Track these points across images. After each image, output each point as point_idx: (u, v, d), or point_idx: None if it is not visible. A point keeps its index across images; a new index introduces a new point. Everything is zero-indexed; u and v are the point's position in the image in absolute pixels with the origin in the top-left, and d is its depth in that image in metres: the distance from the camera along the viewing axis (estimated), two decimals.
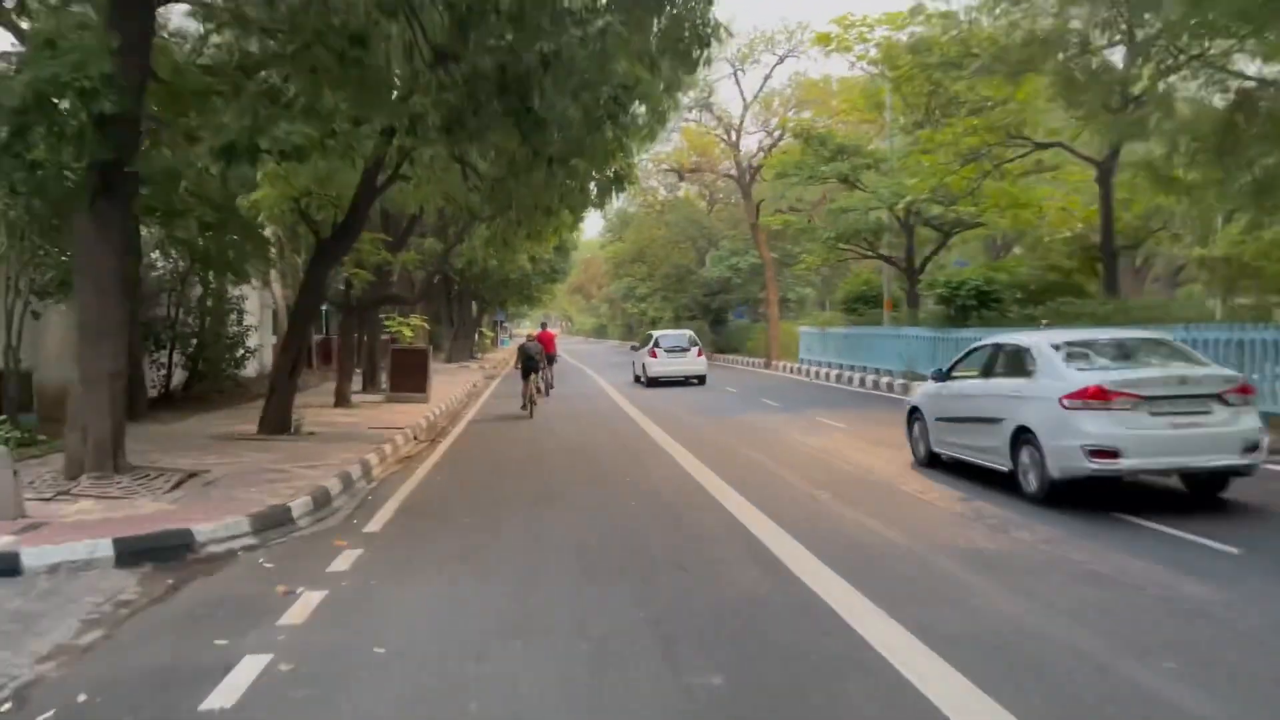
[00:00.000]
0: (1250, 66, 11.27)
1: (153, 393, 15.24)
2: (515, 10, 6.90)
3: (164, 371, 15.57)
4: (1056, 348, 7.69)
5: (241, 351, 17.31)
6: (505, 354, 48.20)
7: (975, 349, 9.15)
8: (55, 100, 7.13)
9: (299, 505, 7.51)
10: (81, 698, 3.88)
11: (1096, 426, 6.83)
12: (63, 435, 8.65)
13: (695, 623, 4.69)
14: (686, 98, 24.85)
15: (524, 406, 16.00)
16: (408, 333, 20.73)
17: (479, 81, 7.56)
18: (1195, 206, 13.65)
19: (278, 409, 11.86)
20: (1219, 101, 11.44)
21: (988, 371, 8.58)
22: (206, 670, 4.12)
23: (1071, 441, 6.92)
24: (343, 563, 6.06)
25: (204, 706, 3.73)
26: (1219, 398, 6.94)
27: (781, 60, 30.53)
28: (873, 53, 19.54)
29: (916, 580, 5.41)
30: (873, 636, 4.36)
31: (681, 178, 36.27)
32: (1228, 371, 7.58)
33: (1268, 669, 3.97)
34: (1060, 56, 12.28)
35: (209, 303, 16.83)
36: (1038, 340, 8.05)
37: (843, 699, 3.72)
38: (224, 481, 8.30)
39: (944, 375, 9.29)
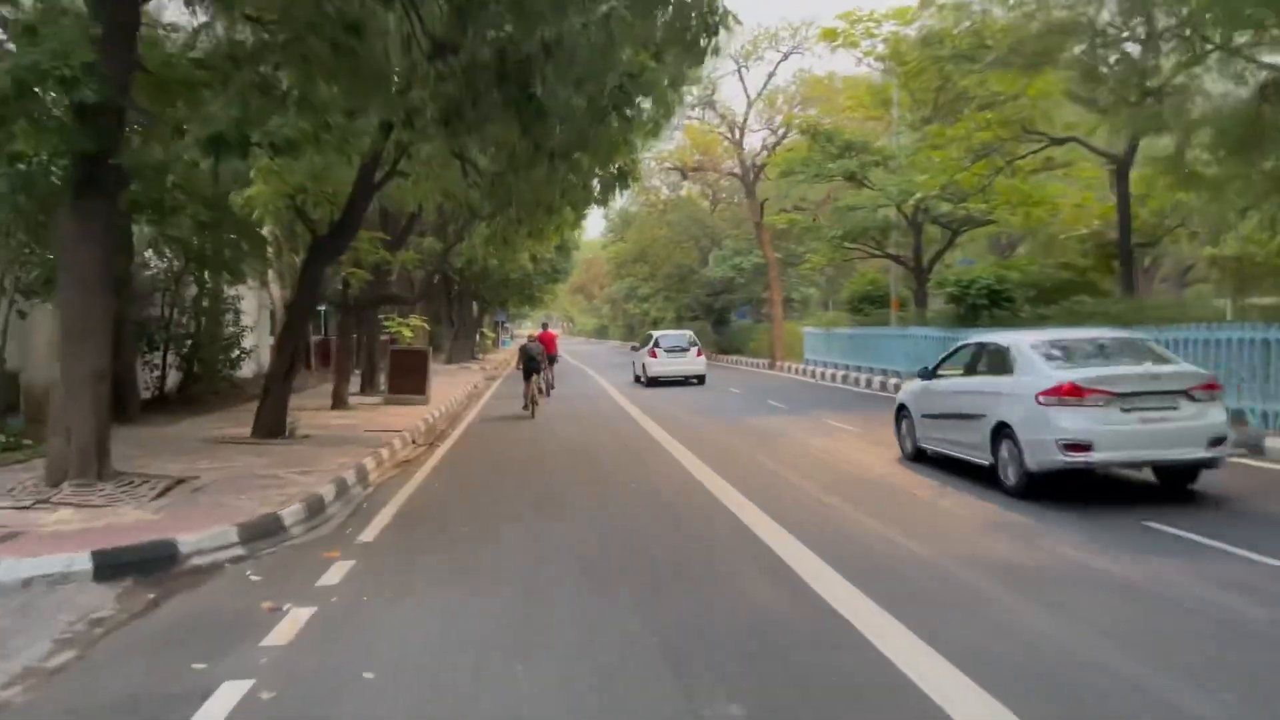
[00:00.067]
0: (1278, 57, 10.94)
1: (146, 394, 14.92)
2: None
3: (157, 373, 15.23)
4: (1034, 347, 8.00)
5: (237, 352, 16.98)
6: (506, 355, 47.91)
7: (959, 348, 9.41)
8: (36, 90, 6.83)
9: (290, 513, 7.19)
10: None
11: (1070, 421, 7.15)
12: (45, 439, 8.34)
13: (708, 642, 4.37)
14: (691, 95, 24.53)
15: (525, 406, 15.95)
16: (407, 333, 20.41)
17: (477, 70, 7.24)
18: (1216, 202, 13.30)
19: (272, 412, 11.54)
20: (1243, 93, 11.09)
21: (970, 370, 8.89)
22: (181, 698, 3.80)
23: (1047, 436, 7.23)
24: (334, 575, 5.75)
25: None
26: (1186, 394, 7.27)
27: (786, 57, 30.19)
28: (880, 48, 19.21)
29: (941, 594, 5.08)
30: (899, 657, 4.04)
31: (685, 176, 35.89)
32: (1195, 369, 7.92)
33: None
34: (1078, 49, 11.93)
35: (204, 303, 16.51)
36: (1017, 339, 8.36)
37: None
38: (213, 488, 7.97)
39: (930, 373, 9.58)
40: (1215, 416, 7.33)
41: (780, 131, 30.65)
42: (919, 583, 5.32)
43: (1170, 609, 4.77)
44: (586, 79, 7.19)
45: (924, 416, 9.48)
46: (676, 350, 23.29)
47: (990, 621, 4.62)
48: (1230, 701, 3.58)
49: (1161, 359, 7.87)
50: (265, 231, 18.23)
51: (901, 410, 10.01)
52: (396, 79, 8.71)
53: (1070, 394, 7.22)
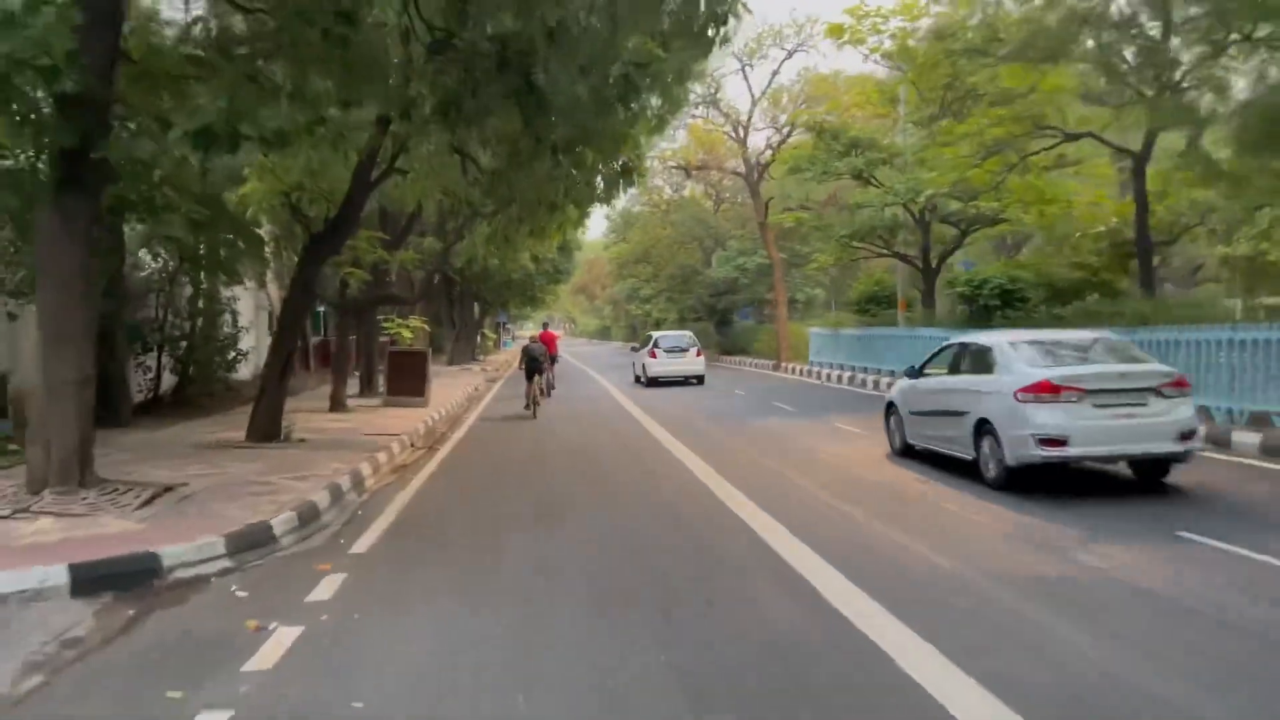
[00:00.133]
0: None
1: (139, 397, 14.61)
2: None
3: (151, 375, 14.91)
4: (1014, 346, 8.34)
5: (233, 354, 16.66)
6: (508, 356, 47.61)
7: (944, 348, 9.74)
8: (14, 80, 6.51)
9: (282, 522, 6.87)
10: None
11: (1046, 417, 7.48)
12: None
13: (727, 670, 4.05)
14: (695, 92, 24.22)
15: (527, 406, 15.90)
16: (407, 334, 20.10)
17: (477, 59, 6.91)
18: (1236, 198, 12.95)
19: (267, 415, 11.22)
20: (1266, 86, 10.74)
21: (955, 368, 9.22)
22: None
23: (1024, 431, 7.55)
24: (324, 590, 5.42)
25: None
26: (1156, 391, 7.59)
27: (790, 55, 29.80)
28: (887, 45, 18.86)
29: (977, 616, 4.74)
30: (938, 690, 3.71)
31: (689, 175, 35.50)
32: (1164, 367, 8.19)
33: None
34: (1096, 40, 11.55)
35: (200, 304, 16.19)
36: (998, 340, 8.73)
37: None
38: (202, 495, 7.65)
39: (917, 372, 9.94)
40: (1184, 412, 7.65)
41: (785, 130, 30.30)
42: (950, 602, 4.98)
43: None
44: (590, 67, 6.86)
45: (911, 413, 9.78)
46: (676, 351, 23.52)
47: (1027, 644, 4.28)
48: None
49: (1134, 358, 8.17)
50: (263, 231, 17.99)
51: (890, 408, 10.35)
52: (393, 70, 8.41)
53: (1046, 391, 7.55)
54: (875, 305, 24.23)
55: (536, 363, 16.36)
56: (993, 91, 16.92)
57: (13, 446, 9.78)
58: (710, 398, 19.67)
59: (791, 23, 47.02)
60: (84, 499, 7.03)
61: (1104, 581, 5.29)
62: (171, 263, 15.08)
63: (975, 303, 16.54)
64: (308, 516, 7.27)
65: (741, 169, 32.11)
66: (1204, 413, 10.94)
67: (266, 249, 17.24)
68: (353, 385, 18.78)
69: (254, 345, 18.72)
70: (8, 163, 7.64)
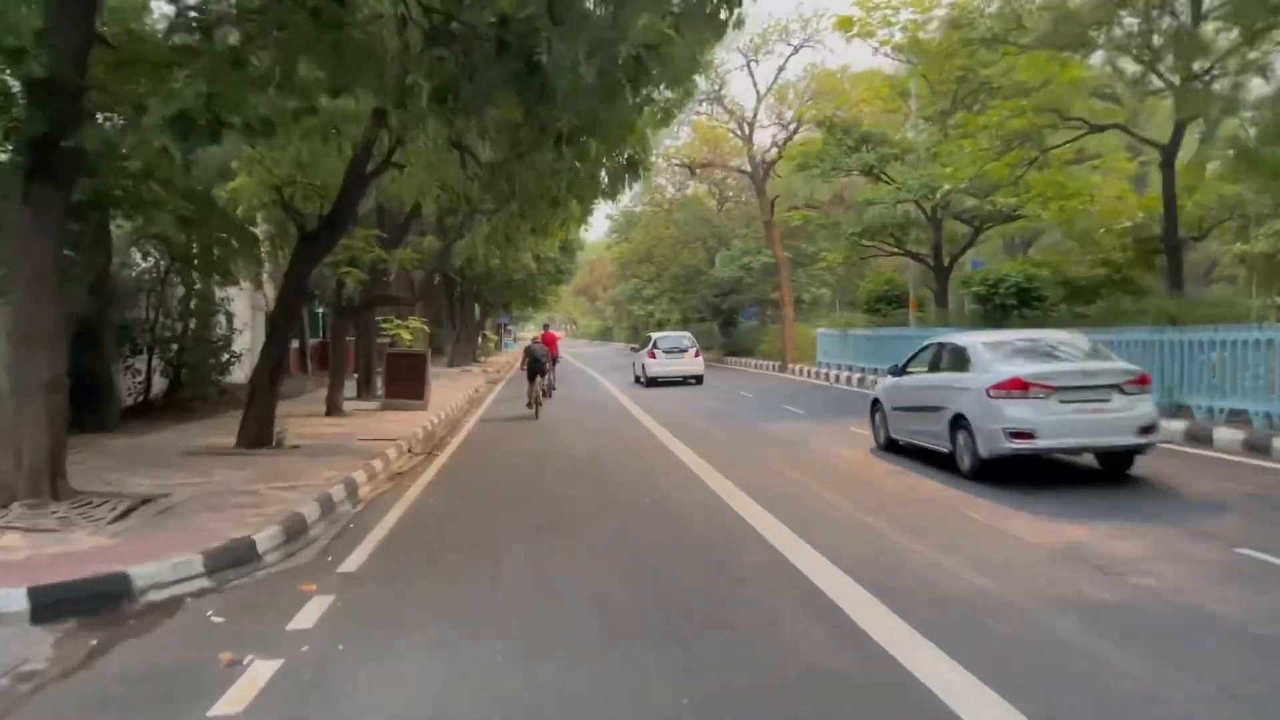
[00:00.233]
0: None
1: (129, 401, 14.16)
2: None
3: (140, 378, 14.45)
4: (988, 346, 8.85)
5: (227, 356, 16.19)
6: (509, 357, 47.17)
7: (924, 348, 10.24)
8: None
9: (267, 537, 6.40)
10: None
11: (1015, 412, 7.95)
12: None
13: (754, 712, 3.57)
14: (701, 86, 23.67)
15: (529, 405, 15.93)
16: (406, 335, 19.63)
17: (475, 41, 6.43)
18: (1272, 191, 12.43)
19: (258, 420, 10.75)
20: None
21: (934, 367, 9.66)
22: None
23: (996, 425, 8.03)
24: (308, 616, 4.95)
25: None
26: (1118, 388, 8.02)
27: (797, 50, 29.24)
28: (898, 37, 18.36)
29: (1026, 645, 4.27)
30: None
31: (693, 173, 34.97)
32: (1127, 366, 8.61)
33: None
34: (1124, 26, 11.06)
35: (192, 304, 15.74)
36: (973, 340, 9.23)
37: None
38: (184, 507, 7.18)
39: (900, 370, 10.48)
40: (1144, 408, 8.10)
41: (791, 126, 29.79)
42: (993, 628, 4.50)
43: None
44: (597, 49, 6.38)
45: (894, 409, 10.29)
46: (675, 351, 23.84)
47: (1079, 674, 3.81)
48: None
49: (1100, 357, 8.63)
50: (260, 229, 17.55)
51: (876, 404, 10.87)
52: (388, 58, 7.93)
53: (1016, 388, 8.01)
54: (886, 305, 23.70)
55: (538, 363, 16.42)
56: (1007, 85, 16.44)
57: None
58: (716, 400, 19.20)
59: (798, 17, 46.51)
60: (54, 512, 6.57)
61: (1163, 605, 4.81)
62: (163, 262, 14.65)
63: (991, 302, 16.02)
64: (295, 530, 6.80)
65: (746, 167, 31.61)
66: (1241, 418, 10.50)
67: (262, 248, 16.88)
68: (351, 388, 18.33)
69: (249, 347, 18.24)
70: None
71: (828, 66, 32.66)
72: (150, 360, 14.67)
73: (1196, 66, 11.18)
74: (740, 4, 7.34)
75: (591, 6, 6.12)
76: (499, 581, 5.61)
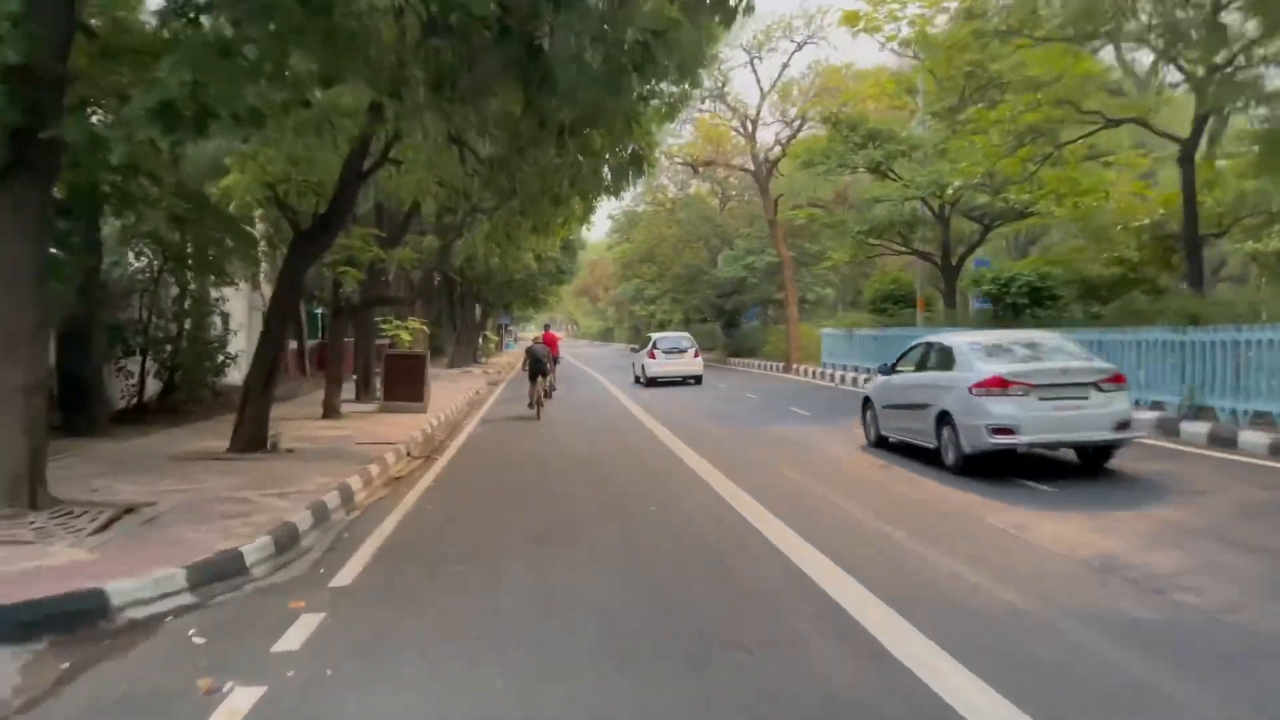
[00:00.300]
0: None
1: (122, 404, 13.85)
2: None
3: (132, 380, 14.13)
4: (972, 346, 9.21)
5: (222, 358, 15.87)
6: (510, 358, 46.87)
7: (912, 347, 10.61)
8: None
9: (255, 549, 6.09)
10: None
11: (997, 409, 8.29)
12: None
13: None
14: (705, 83, 23.32)
15: (531, 406, 15.96)
16: (405, 336, 19.33)
17: (473, 26, 6.11)
18: None
19: (251, 423, 10.43)
20: None
21: (921, 366, 10.02)
22: None
23: (978, 421, 8.37)
24: (296, 636, 4.63)
25: None
26: (1095, 386, 8.39)
27: (800, 47, 28.87)
28: (905, 32, 18.01)
29: (1068, 671, 3.94)
30: None
31: (696, 171, 34.58)
32: (1104, 364, 8.98)
33: None
34: (1147, 15, 10.68)
35: (186, 305, 15.43)
36: (958, 340, 9.63)
37: None
38: (169, 517, 6.86)
39: (889, 370, 10.87)
40: (1120, 405, 8.44)
41: (795, 124, 29.44)
42: (1030, 650, 4.18)
43: None
44: (602, 33, 6.05)
45: (884, 407, 10.66)
46: (674, 352, 24.05)
47: (1142, 714, 3.49)
48: None
49: (1077, 356, 8.96)
50: (257, 229, 17.23)
51: (867, 402, 11.22)
52: (383, 47, 7.61)
53: (997, 386, 8.35)
54: (892, 304, 23.32)
55: (540, 364, 16.36)
56: (1018, 80, 16.09)
57: None
58: (721, 401, 18.89)
59: (802, 14, 46.13)
60: (32, 523, 6.25)
61: (1213, 625, 4.49)
62: (156, 261, 14.35)
63: (1002, 301, 15.65)
64: (286, 541, 6.49)
65: (749, 165, 31.26)
66: (1265, 420, 10.17)
67: (259, 247, 16.57)
68: (350, 390, 18.02)
69: (245, 349, 17.91)
70: None
71: (832, 63, 32.26)
72: (143, 362, 14.36)
73: (1219, 57, 10.84)
74: None
75: None
76: (499, 596, 5.29)
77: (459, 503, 8.43)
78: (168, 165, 8.19)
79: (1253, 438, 9.63)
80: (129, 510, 6.84)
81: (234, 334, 16.52)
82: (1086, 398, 8.33)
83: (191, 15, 6.45)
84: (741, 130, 30.86)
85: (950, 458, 8.77)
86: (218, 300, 16.50)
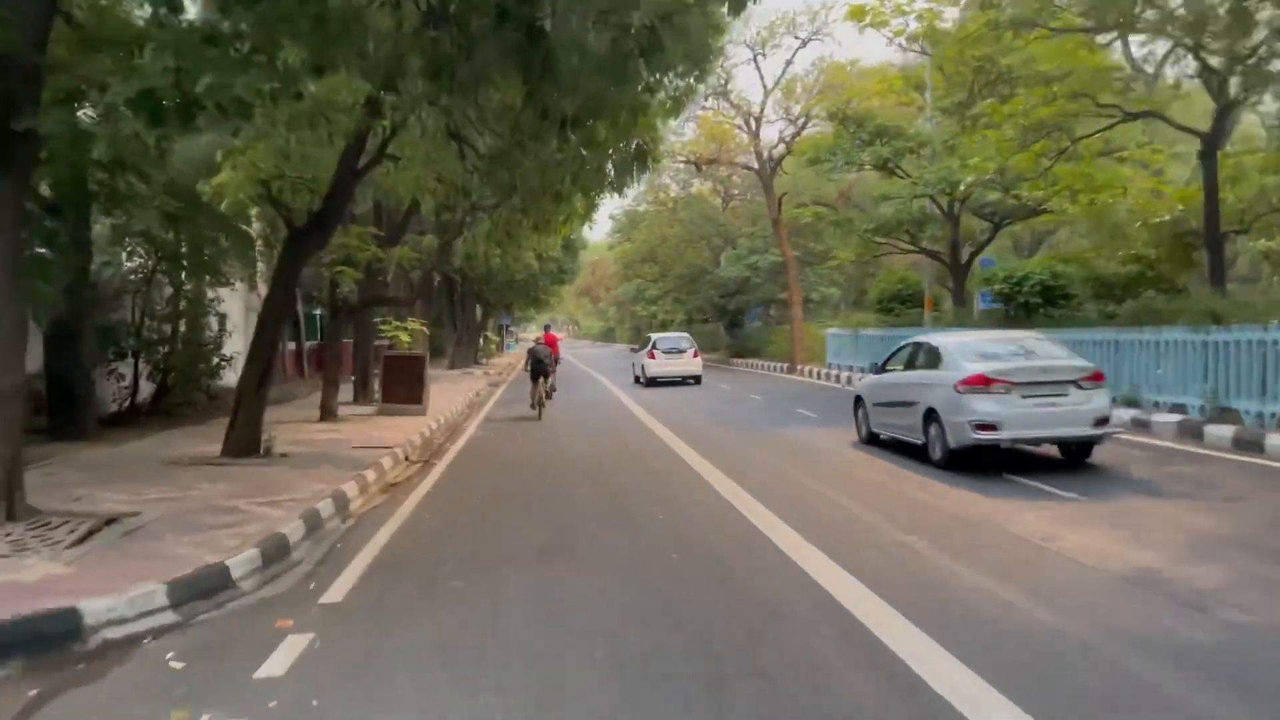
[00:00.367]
0: None
1: (114, 407, 13.54)
2: None
3: (124, 383, 13.81)
4: (958, 346, 9.53)
5: (217, 360, 15.54)
6: (511, 359, 46.57)
7: (901, 347, 10.96)
8: None
9: (242, 562, 5.77)
10: None
11: (981, 406, 8.60)
12: None
13: None
14: (707, 80, 22.96)
15: (533, 406, 15.99)
16: (405, 337, 19.01)
17: (471, 11, 5.79)
18: None
19: (244, 428, 10.12)
20: None
21: (910, 365, 10.34)
22: None
23: (963, 418, 8.68)
24: (280, 660, 4.32)
25: None
26: (1075, 383, 8.71)
27: (805, 44, 28.52)
28: (913, 26, 17.70)
29: (1122, 702, 3.62)
30: None
31: (699, 169, 34.21)
32: (1083, 363, 9.29)
33: None
34: (1162, 9, 10.35)
35: (181, 305, 15.11)
36: (945, 340, 9.99)
37: None
38: (153, 528, 6.54)
39: (880, 369, 11.20)
40: (1099, 401, 8.77)
41: (800, 121, 29.09)
42: (1075, 677, 3.85)
43: None
44: (607, 16, 5.72)
45: (875, 405, 10.99)
46: (674, 352, 24.25)
47: None
48: None
49: (1059, 355, 9.25)
50: (253, 227, 16.92)
51: (858, 400, 11.58)
52: (377, 36, 7.28)
53: (980, 383, 8.65)
54: (899, 304, 22.95)
55: (542, 364, 16.26)
56: (1028, 75, 15.77)
57: None
58: (725, 403, 18.56)
59: (806, 9, 45.62)
60: (8, 535, 5.94)
61: (1271, 649, 4.16)
62: (149, 261, 14.03)
63: (1014, 300, 15.30)
64: (275, 554, 6.17)
65: (753, 164, 30.91)
66: None
67: (256, 247, 16.25)
68: (347, 392, 17.71)
69: (241, 350, 17.60)
70: None
71: (837, 60, 31.88)
72: (136, 364, 14.04)
73: (1243, 46, 10.49)
74: None
75: None
76: (499, 616, 4.96)
77: (458, 510, 8.11)
78: (155, 161, 7.86)
79: None
80: (111, 521, 6.52)
81: (229, 335, 16.19)
82: (1066, 395, 8.65)
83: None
84: (745, 128, 30.55)
85: (937, 453, 9.10)
86: (213, 301, 16.18)
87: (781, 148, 29.55)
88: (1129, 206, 15.79)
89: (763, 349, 34.15)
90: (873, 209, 21.62)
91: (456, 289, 34.41)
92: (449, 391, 20.40)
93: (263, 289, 18.94)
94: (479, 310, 41.46)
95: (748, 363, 34.06)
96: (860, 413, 11.45)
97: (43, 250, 9.51)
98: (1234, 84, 11.61)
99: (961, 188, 16.81)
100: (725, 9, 6.60)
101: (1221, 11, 10.44)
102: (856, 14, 18.13)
